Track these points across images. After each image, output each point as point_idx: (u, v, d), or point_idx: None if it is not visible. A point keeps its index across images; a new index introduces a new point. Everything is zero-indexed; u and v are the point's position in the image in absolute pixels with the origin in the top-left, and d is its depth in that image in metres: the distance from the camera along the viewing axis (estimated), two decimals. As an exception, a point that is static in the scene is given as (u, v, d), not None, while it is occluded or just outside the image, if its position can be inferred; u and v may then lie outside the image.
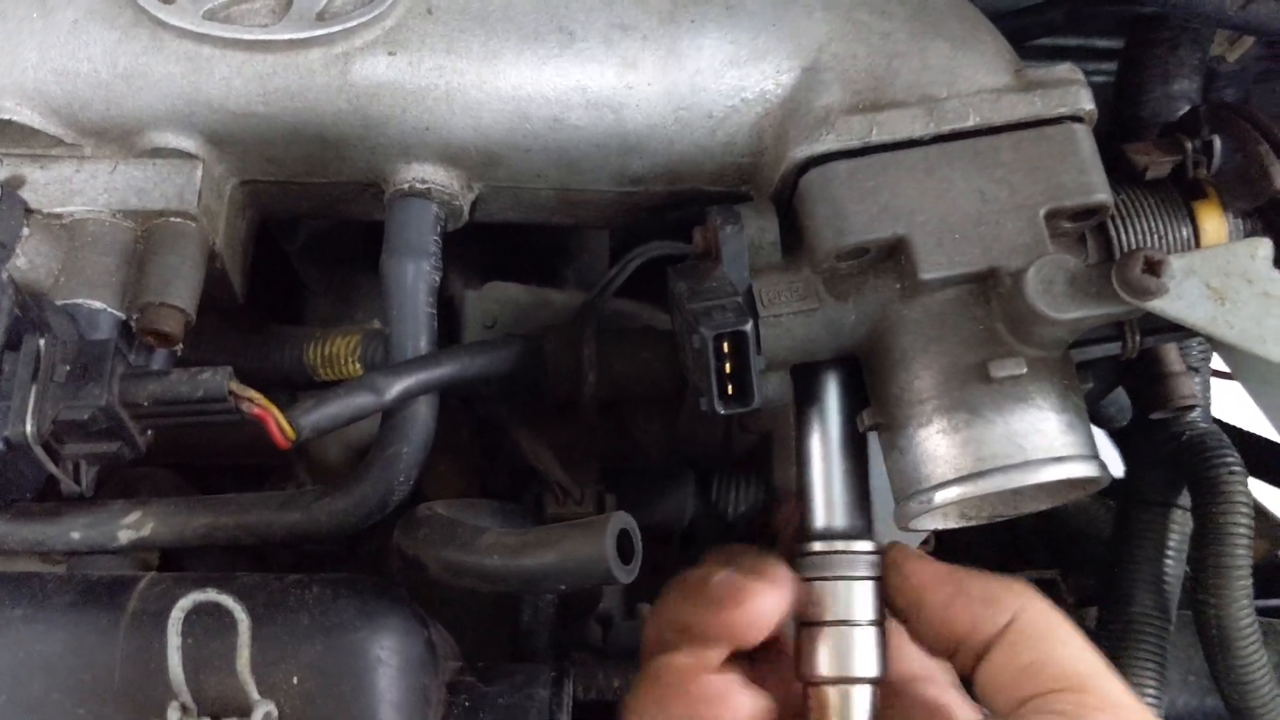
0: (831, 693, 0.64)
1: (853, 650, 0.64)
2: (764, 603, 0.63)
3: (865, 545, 0.66)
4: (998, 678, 0.61)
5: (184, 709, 0.60)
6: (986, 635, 0.61)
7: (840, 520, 0.67)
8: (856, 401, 0.69)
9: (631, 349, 0.88)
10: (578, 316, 0.89)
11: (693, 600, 0.65)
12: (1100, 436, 1.48)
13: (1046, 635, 0.61)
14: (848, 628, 0.64)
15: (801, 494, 0.69)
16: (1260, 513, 1.57)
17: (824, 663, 0.64)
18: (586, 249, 1.06)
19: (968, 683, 0.64)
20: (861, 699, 0.64)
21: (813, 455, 0.69)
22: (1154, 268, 0.60)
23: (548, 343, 0.84)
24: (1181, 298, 0.61)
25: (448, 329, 0.98)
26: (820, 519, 0.67)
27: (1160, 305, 0.60)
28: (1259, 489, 1.52)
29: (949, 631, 0.62)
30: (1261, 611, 1.02)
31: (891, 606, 0.65)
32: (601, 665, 0.90)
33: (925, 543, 1.00)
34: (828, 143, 0.68)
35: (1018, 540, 1.22)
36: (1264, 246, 0.62)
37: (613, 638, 0.96)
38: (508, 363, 0.78)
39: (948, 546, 1.11)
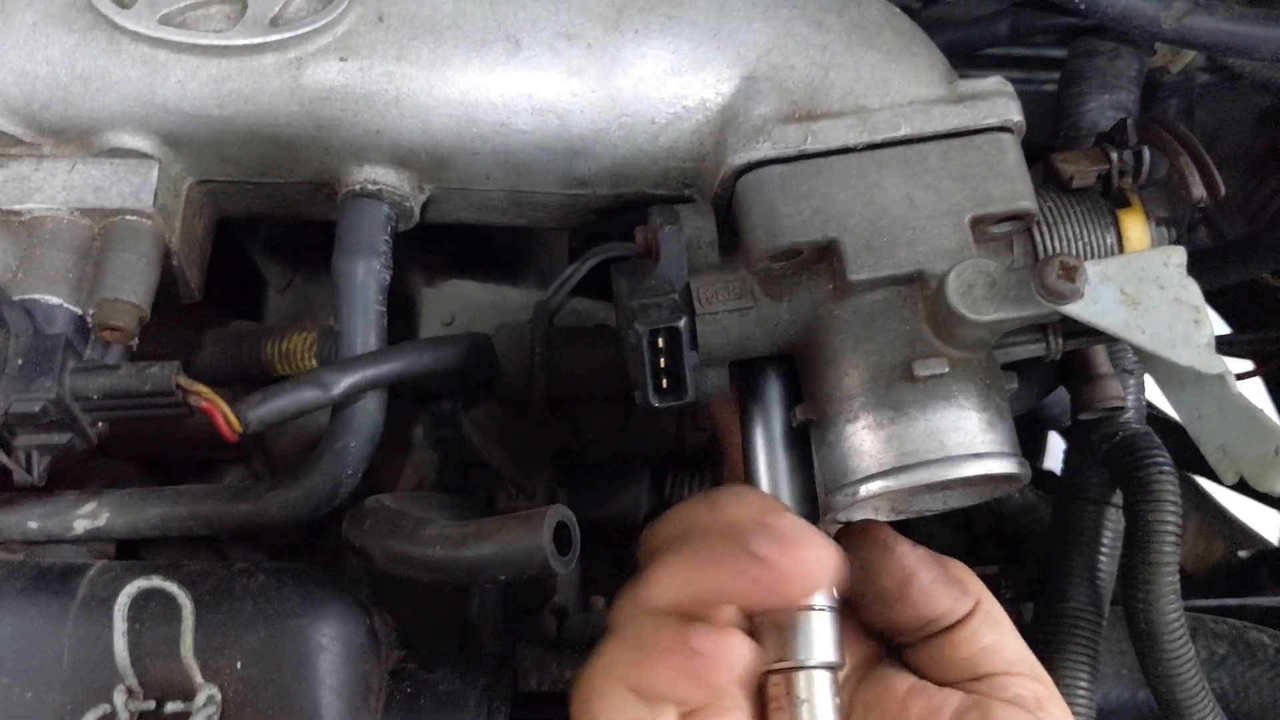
0: (792, 679, 0.64)
1: (811, 637, 0.64)
2: (818, 558, 0.55)
3: None
4: (957, 652, 0.65)
5: (129, 693, 0.62)
6: (958, 614, 0.65)
7: None
8: (797, 397, 0.71)
9: (583, 347, 0.90)
10: (532, 316, 0.91)
11: (717, 551, 0.56)
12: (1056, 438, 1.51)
13: (1001, 622, 0.66)
14: (804, 614, 0.64)
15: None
16: (1220, 515, 1.61)
17: (782, 650, 0.64)
18: (546, 249, 1.08)
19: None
20: (822, 685, 0.64)
21: (757, 450, 0.71)
22: (1069, 273, 0.62)
23: (499, 340, 0.86)
24: (1096, 302, 0.63)
25: (406, 326, 1.01)
26: None
27: (1075, 309, 0.63)
28: (1223, 494, 1.55)
29: (930, 610, 0.65)
30: (1221, 611, 1.05)
31: (873, 586, 0.67)
32: (555, 657, 0.93)
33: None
34: (764, 150, 0.70)
35: (973, 537, 1.25)
36: (1177, 254, 0.65)
37: (567, 630, 0.98)
38: (456, 359, 0.81)
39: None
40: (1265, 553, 1.56)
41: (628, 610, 0.59)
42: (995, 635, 0.65)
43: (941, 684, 0.65)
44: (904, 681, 0.66)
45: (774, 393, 0.72)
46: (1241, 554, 1.58)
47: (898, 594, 0.66)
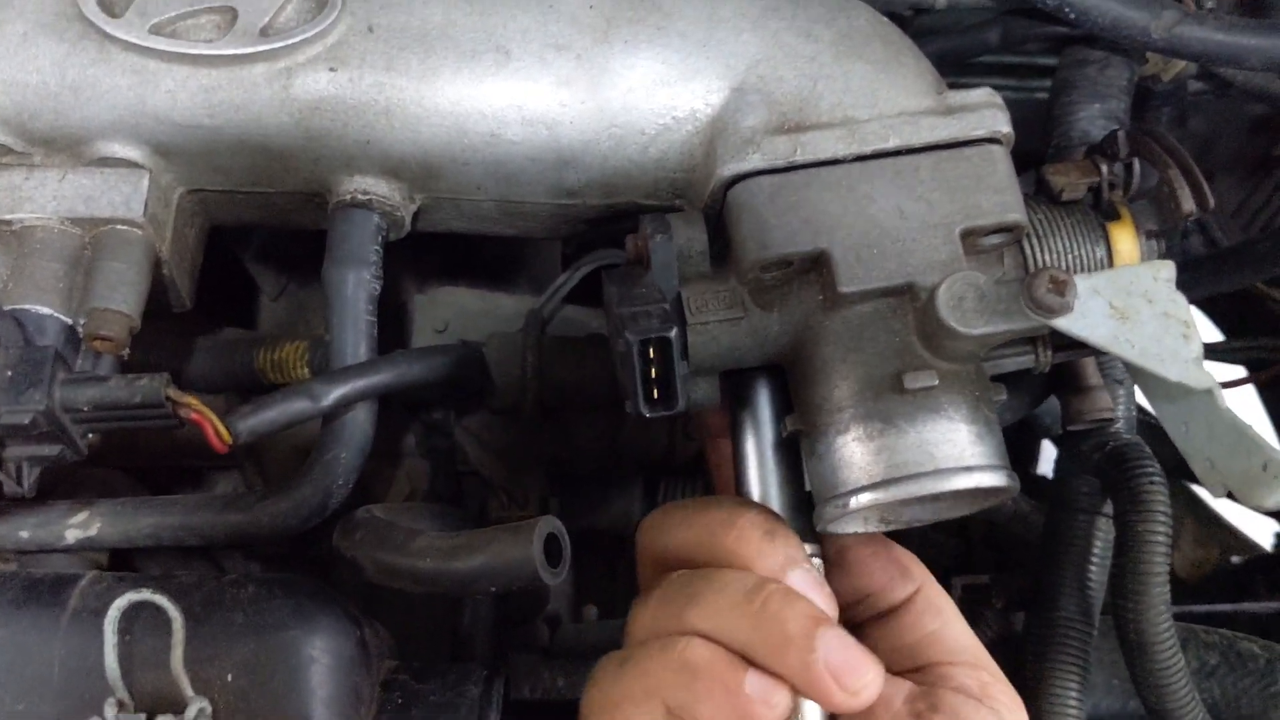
0: None
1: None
2: (874, 689, 0.58)
3: (807, 548, 0.68)
4: (901, 639, 0.66)
5: (120, 705, 0.62)
6: (897, 597, 0.67)
7: None
8: (788, 407, 0.72)
9: (575, 356, 0.90)
10: (524, 325, 0.91)
11: (788, 646, 0.58)
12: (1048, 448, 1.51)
13: (945, 610, 0.67)
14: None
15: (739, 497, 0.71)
16: (1215, 521, 1.61)
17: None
18: (539, 256, 1.08)
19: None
20: None
21: (748, 460, 0.71)
22: (1059, 287, 0.62)
23: (490, 350, 0.86)
24: (1085, 316, 0.63)
25: (399, 333, 1.01)
26: None
27: (1065, 323, 0.63)
28: (1218, 500, 1.55)
29: (866, 582, 0.67)
30: (1215, 617, 1.05)
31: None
32: (548, 665, 0.93)
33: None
34: (754, 161, 0.70)
35: (968, 544, 1.25)
36: (1166, 269, 0.65)
37: (559, 639, 0.98)
38: (447, 369, 0.81)
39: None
40: (1260, 558, 1.57)
41: (671, 623, 0.60)
42: (938, 623, 0.66)
43: (890, 673, 0.65)
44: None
45: (764, 402, 0.72)
46: (1236, 560, 1.58)
47: (835, 561, 0.68)
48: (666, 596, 0.62)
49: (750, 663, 0.58)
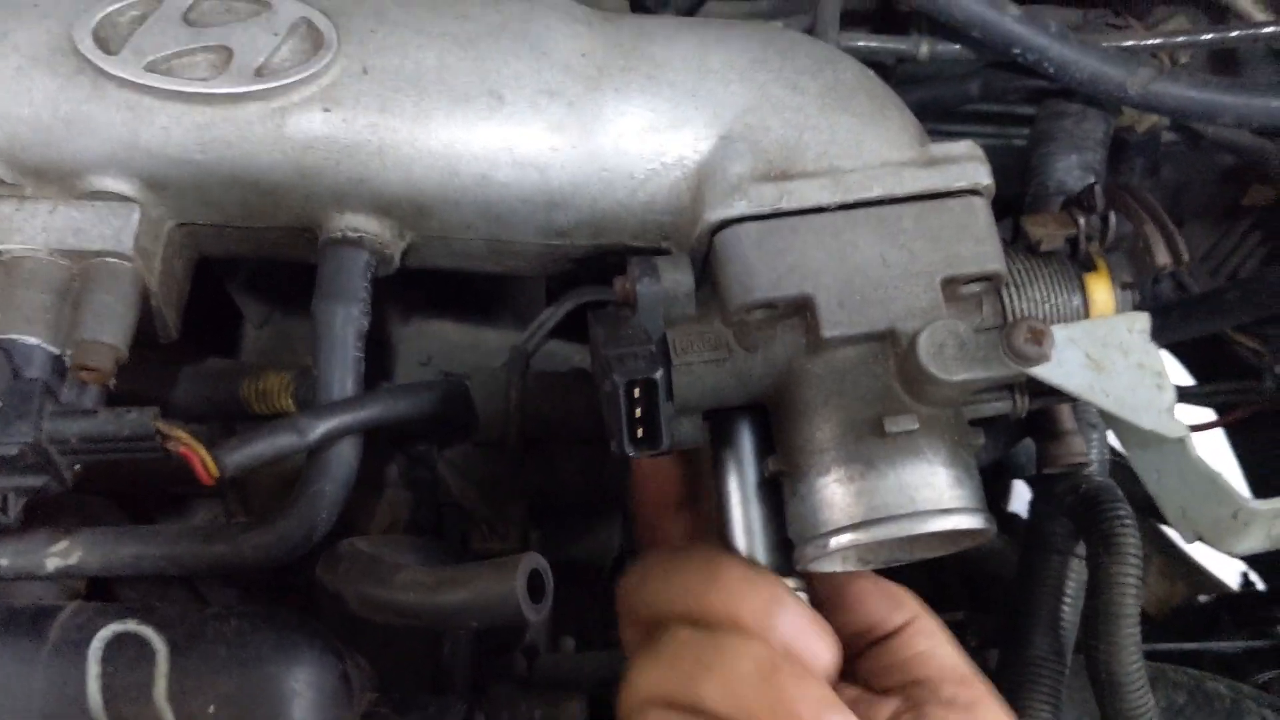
0: None
1: None
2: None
3: (790, 582, 0.68)
4: (891, 657, 0.67)
5: (101, 737, 0.62)
6: (889, 628, 0.68)
7: (762, 559, 0.70)
8: (770, 446, 0.73)
9: (559, 392, 0.91)
10: (508, 360, 0.92)
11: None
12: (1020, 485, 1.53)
13: (936, 634, 0.69)
14: None
15: (722, 535, 0.72)
16: (1181, 559, 1.63)
17: None
18: (524, 290, 1.09)
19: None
20: None
21: (731, 499, 0.72)
22: (1037, 337, 0.64)
23: (475, 385, 0.87)
24: (1062, 365, 0.65)
25: (382, 365, 1.01)
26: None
27: (1042, 372, 0.64)
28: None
29: (864, 616, 0.69)
30: (1181, 654, 1.07)
31: (812, 598, 0.69)
32: (525, 697, 0.93)
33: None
34: (740, 208, 0.71)
35: (943, 584, 1.26)
36: (1141, 320, 0.67)
37: (537, 670, 0.99)
38: (432, 405, 0.81)
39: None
40: (1226, 597, 1.59)
41: (683, 694, 0.60)
42: (929, 643, 0.68)
43: (880, 692, 0.67)
44: (848, 693, 0.68)
45: (747, 442, 0.73)
46: (1202, 598, 1.61)
47: (834, 602, 0.69)
48: (675, 663, 0.61)
49: None
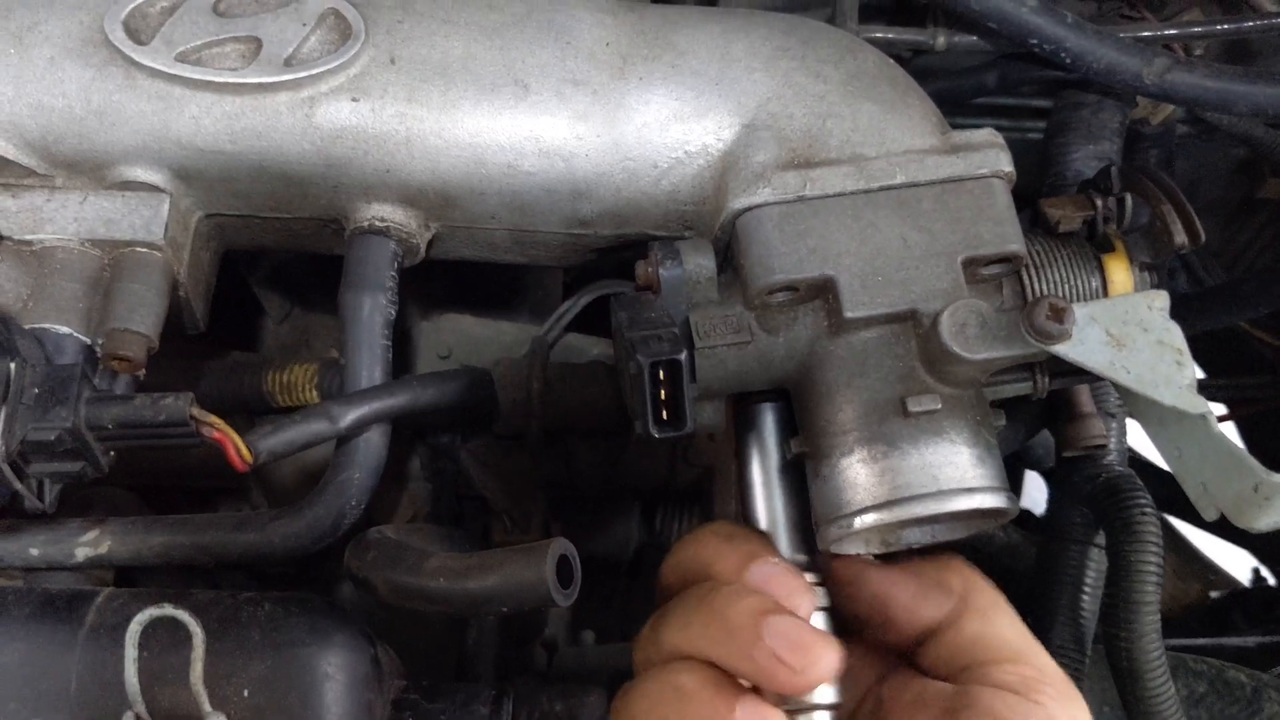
0: None
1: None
2: (825, 665, 0.60)
3: (811, 578, 0.69)
4: (943, 651, 0.66)
5: (138, 719, 0.62)
6: (938, 620, 0.67)
7: (784, 545, 0.71)
8: (792, 431, 0.73)
9: (579, 383, 0.92)
10: (529, 351, 0.93)
11: (732, 639, 0.60)
12: (1034, 478, 1.53)
13: (988, 610, 0.67)
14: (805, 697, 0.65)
15: (745, 522, 0.73)
16: (1194, 556, 1.63)
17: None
18: (541, 283, 1.10)
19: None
20: None
21: (754, 485, 0.73)
22: (1058, 314, 0.64)
23: (498, 375, 0.88)
24: (1083, 343, 0.65)
25: (403, 358, 1.02)
26: None
27: (1063, 349, 0.65)
28: (1198, 537, 1.58)
29: (915, 625, 0.67)
30: (1195, 650, 1.07)
31: (858, 616, 0.68)
32: (545, 689, 0.93)
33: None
34: (764, 196, 0.72)
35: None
36: (1160, 298, 0.67)
37: (557, 663, 0.99)
38: (458, 394, 0.82)
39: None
40: (1238, 593, 1.59)
41: (654, 649, 0.64)
42: (980, 625, 0.66)
43: (938, 678, 0.67)
44: (906, 679, 0.68)
45: (770, 429, 0.74)
46: (1215, 594, 1.61)
47: (881, 618, 0.68)
48: (667, 618, 0.64)
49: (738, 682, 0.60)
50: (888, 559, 0.71)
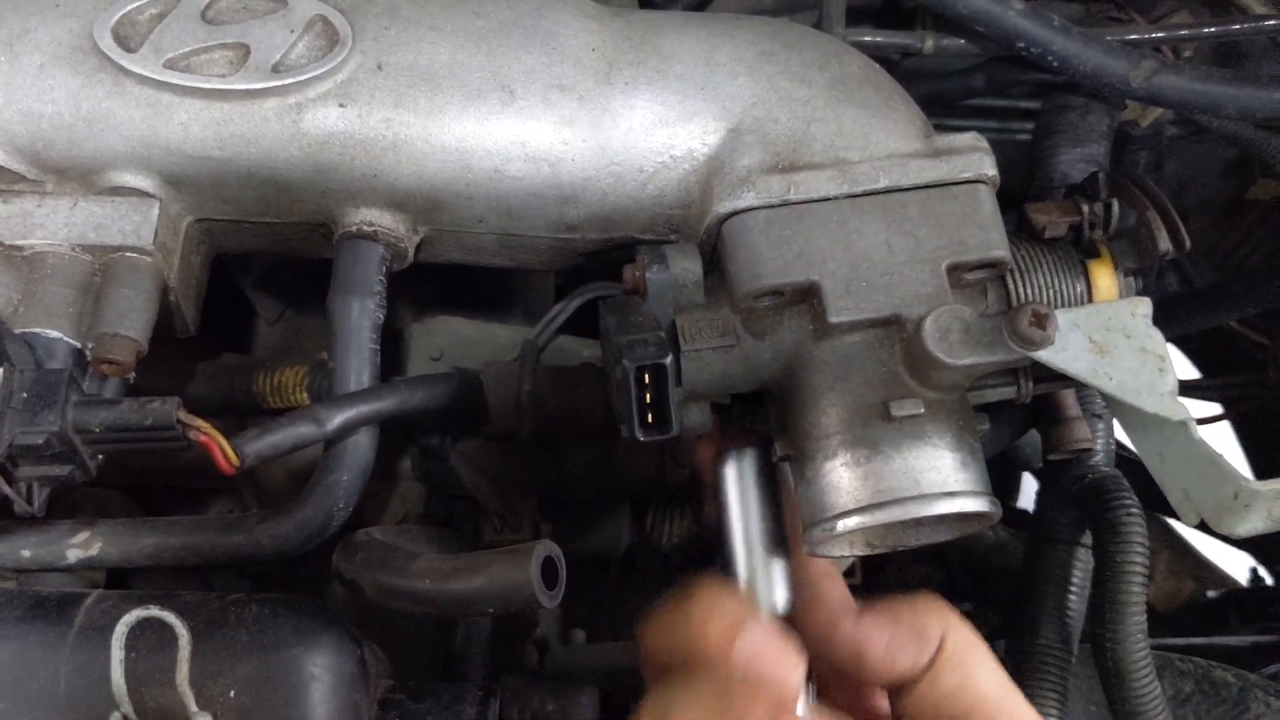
0: None
1: None
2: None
3: (779, 603, 0.68)
4: (922, 704, 0.65)
5: (125, 719, 0.63)
6: (918, 663, 0.65)
7: (761, 586, 0.69)
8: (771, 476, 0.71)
9: (569, 386, 0.92)
10: (519, 354, 0.93)
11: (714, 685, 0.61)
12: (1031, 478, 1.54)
13: (966, 659, 0.65)
14: None
15: (723, 559, 0.71)
16: (1189, 554, 1.64)
17: None
18: (532, 286, 1.10)
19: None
20: None
21: (733, 526, 0.70)
22: (1040, 321, 0.65)
23: (488, 378, 0.88)
24: (1066, 349, 0.66)
25: (395, 360, 1.03)
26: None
27: (1046, 356, 0.65)
28: (1193, 535, 1.58)
29: (892, 673, 0.65)
30: (1189, 649, 1.07)
31: (834, 664, 0.67)
32: (535, 688, 0.94)
33: (850, 574, 1.04)
34: (749, 200, 0.72)
35: (948, 574, 1.27)
36: (1143, 305, 0.68)
37: (548, 662, 1.00)
38: (447, 397, 0.82)
39: (883, 579, 1.16)
40: (1233, 592, 1.60)
41: None
42: (959, 676, 0.64)
43: None
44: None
45: (750, 474, 0.71)
46: (1210, 593, 1.61)
47: (857, 667, 0.66)
48: (657, 698, 0.61)
49: None
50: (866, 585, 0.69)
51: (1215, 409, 1.41)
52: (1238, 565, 1.67)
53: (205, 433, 0.69)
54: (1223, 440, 1.49)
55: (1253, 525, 0.64)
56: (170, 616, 0.65)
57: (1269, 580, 1.67)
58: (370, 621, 0.83)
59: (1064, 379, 0.69)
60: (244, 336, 1.08)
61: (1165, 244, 0.74)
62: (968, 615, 1.01)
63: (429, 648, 0.87)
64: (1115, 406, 0.70)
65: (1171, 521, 1.60)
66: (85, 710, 0.65)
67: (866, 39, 0.96)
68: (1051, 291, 0.75)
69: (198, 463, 0.73)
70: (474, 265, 0.88)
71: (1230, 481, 0.63)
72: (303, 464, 0.97)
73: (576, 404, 0.91)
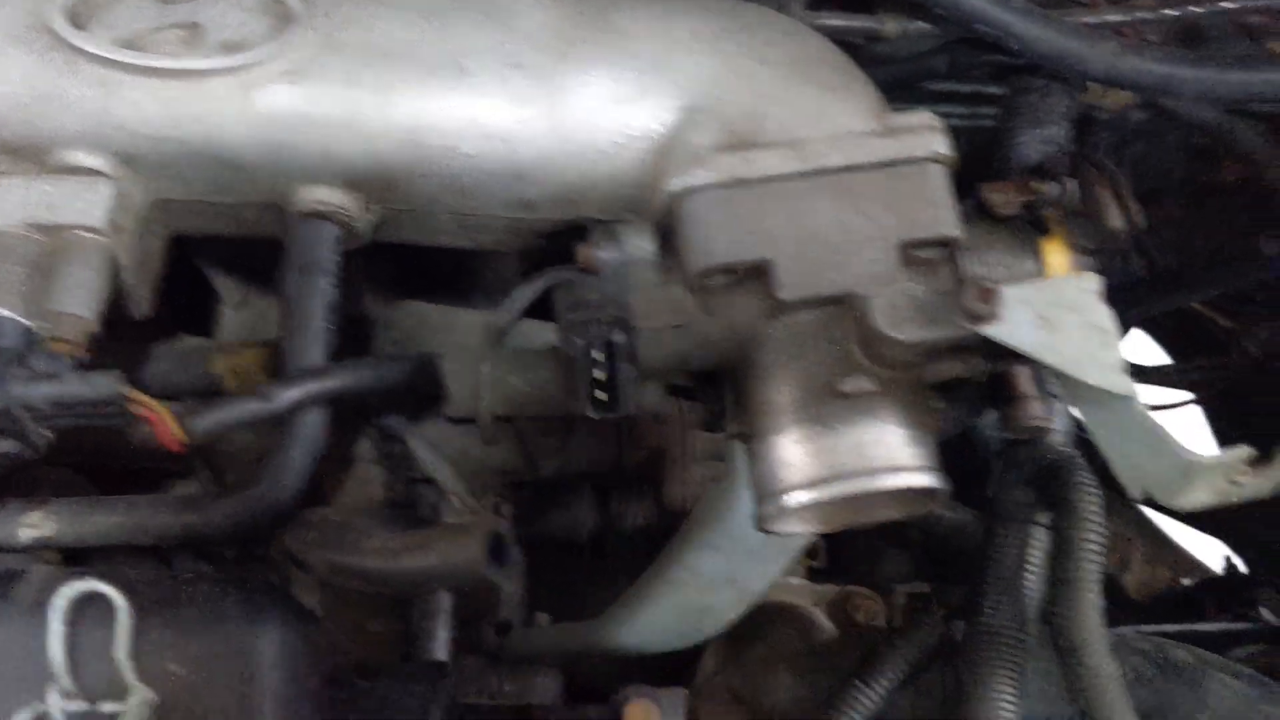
0: None
1: None
2: None
3: None
4: None
5: (63, 693, 0.63)
6: None
7: None
8: None
9: (530, 367, 0.92)
10: (482, 336, 0.93)
11: None
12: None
13: None
14: None
15: None
16: (1163, 542, 1.64)
17: None
18: (497, 271, 1.10)
19: None
20: None
21: None
22: (986, 296, 0.65)
23: (448, 359, 0.88)
24: (1013, 324, 0.66)
25: (360, 345, 1.02)
26: None
27: (993, 331, 0.66)
28: (1168, 523, 1.59)
29: None
30: (1164, 636, 1.07)
31: None
32: (494, 669, 0.94)
33: (813, 555, 1.05)
34: (701, 178, 0.73)
35: (913, 555, 1.27)
36: (1092, 281, 0.68)
37: (509, 644, 1.00)
38: (399, 376, 0.82)
39: (846, 559, 1.16)
40: (1209, 581, 1.60)
41: None
42: None
43: None
44: None
45: None
46: (1186, 581, 1.62)
47: None
48: None
49: None
50: None
51: (1189, 395, 1.42)
52: (1212, 554, 1.68)
53: (150, 407, 0.68)
54: (1194, 424, 1.49)
55: (1198, 498, 0.64)
56: (108, 589, 0.64)
57: (1243, 568, 1.68)
58: (329, 599, 0.83)
59: (1014, 355, 0.70)
60: (206, 320, 1.07)
61: (1117, 221, 0.74)
62: (925, 596, 1.01)
63: (383, 627, 0.87)
64: (1064, 382, 0.70)
65: (1148, 511, 1.61)
66: (24, 684, 0.64)
67: (828, 22, 0.96)
68: (1003, 269, 0.75)
69: (154, 443, 0.73)
70: (435, 247, 0.88)
71: (1174, 455, 0.64)
72: (265, 446, 0.97)
73: (535, 384, 0.91)
